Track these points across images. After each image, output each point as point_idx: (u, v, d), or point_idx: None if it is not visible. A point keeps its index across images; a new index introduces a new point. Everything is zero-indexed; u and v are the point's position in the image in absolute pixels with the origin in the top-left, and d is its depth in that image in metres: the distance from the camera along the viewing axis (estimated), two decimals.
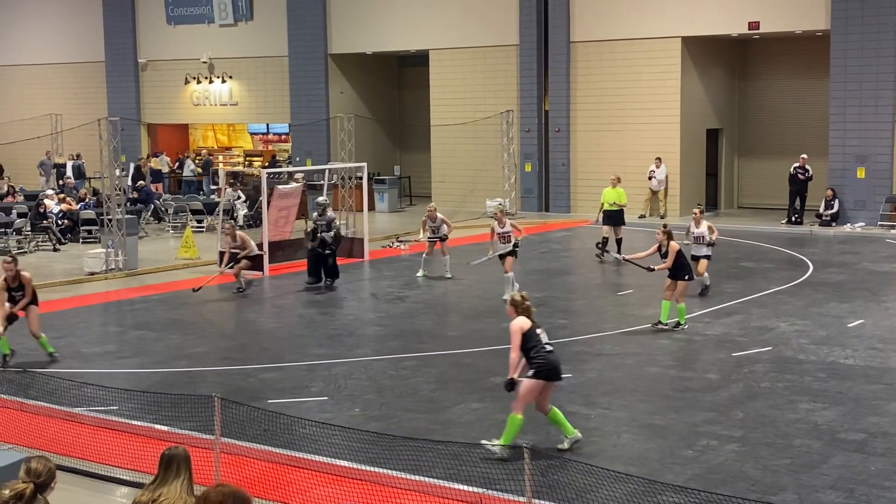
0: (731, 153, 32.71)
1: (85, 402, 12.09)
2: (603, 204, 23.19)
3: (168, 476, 6.38)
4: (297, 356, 14.84)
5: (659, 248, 16.12)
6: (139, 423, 11.46)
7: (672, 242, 15.80)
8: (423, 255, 21.50)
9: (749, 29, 29.05)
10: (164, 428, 11.20)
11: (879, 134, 27.39)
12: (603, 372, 13.82)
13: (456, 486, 9.37)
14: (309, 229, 20.70)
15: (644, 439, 10.99)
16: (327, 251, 20.17)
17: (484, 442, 10.25)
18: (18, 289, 14.60)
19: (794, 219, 28.38)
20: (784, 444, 10.68)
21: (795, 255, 23.34)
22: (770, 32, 29.31)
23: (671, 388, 12.97)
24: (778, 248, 24.51)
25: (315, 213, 20.99)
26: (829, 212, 27.78)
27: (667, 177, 29.99)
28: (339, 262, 22.97)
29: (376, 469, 9.90)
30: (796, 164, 28.68)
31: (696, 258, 18.09)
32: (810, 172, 28.42)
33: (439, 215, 21.23)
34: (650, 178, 29.90)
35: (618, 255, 19.10)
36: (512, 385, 10.17)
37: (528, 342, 10.03)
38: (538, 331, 10.14)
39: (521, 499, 8.49)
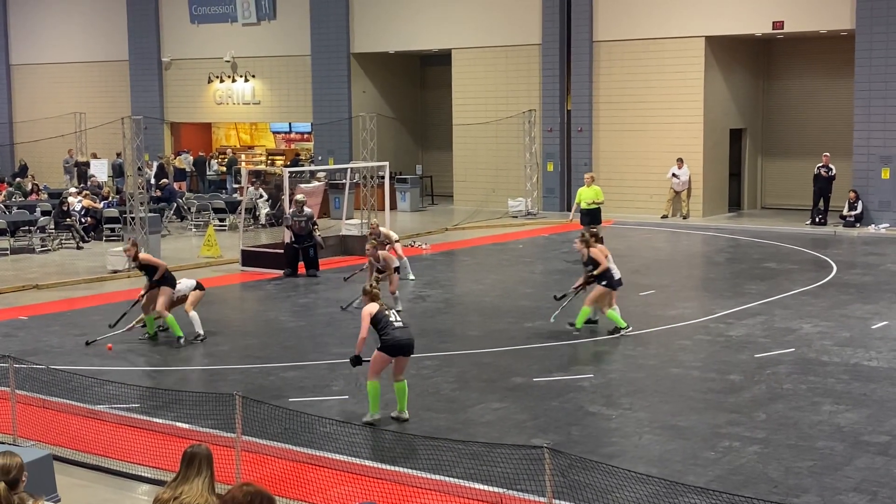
0: (754, 153, 32.54)
1: (107, 400, 12.13)
2: (580, 203, 24.14)
3: (190, 474, 6.38)
4: (319, 355, 14.86)
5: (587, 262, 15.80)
6: (160, 421, 11.50)
7: (592, 248, 15.48)
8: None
9: (773, 28, 28.89)
10: (186, 426, 11.24)
11: None
12: (625, 372, 13.78)
13: (476, 485, 9.35)
14: (287, 223, 21.63)
15: (666, 440, 10.95)
16: (307, 244, 21.32)
17: (364, 420, 11.30)
18: (149, 270, 15.84)
19: (817, 219, 28.20)
20: (807, 446, 10.61)
21: (819, 256, 23.20)
22: (794, 32, 29.13)
23: (693, 389, 12.91)
24: (801, 249, 24.36)
25: (292, 209, 21.58)
26: (853, 213, 27.60)
27: (690, 177, 29.88)
28: (361, 260, 23.11)
29: (397, 468, 9.91)
30: (819, 164, 28.59)
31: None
32: (834, 171, 28.25)
33: (382, 230, 19.60)
34: (673, 177, 29.83)
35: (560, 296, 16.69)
36: (357, 361, 11.41)
37: (378, 323, 11.22)
38: (387, 312, 11.35)
39: (542, 499, 8.46)
